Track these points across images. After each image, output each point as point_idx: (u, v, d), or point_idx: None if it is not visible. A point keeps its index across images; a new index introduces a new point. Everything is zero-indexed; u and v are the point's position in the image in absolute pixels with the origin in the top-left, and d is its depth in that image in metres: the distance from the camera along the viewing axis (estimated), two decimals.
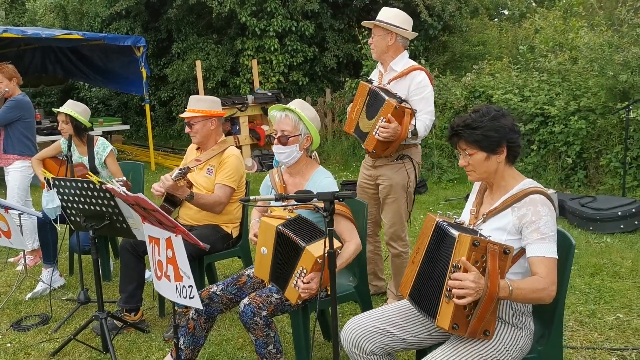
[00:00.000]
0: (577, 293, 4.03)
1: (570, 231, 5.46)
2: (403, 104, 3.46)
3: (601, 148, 6.91)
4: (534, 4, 14.97)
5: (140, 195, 2.50)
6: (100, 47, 10.79)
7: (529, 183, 2.28)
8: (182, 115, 3.79)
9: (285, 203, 2.80)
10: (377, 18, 3.68)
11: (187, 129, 3.80)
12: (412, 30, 3.74)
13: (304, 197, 2.26)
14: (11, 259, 5.31)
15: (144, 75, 10.17)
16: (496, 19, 16.66)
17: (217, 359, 3.36)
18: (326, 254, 2.09)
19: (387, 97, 3.44)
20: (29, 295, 4.39)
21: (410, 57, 3.81)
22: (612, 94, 6.82)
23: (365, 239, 3.16)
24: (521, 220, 2.19)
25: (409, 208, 3.83)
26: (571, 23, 8.86)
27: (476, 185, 2.51)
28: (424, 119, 3.59)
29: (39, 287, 4.45)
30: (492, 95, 8.10)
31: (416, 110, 3.55)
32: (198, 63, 10.34)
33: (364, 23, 3.88)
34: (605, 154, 6.79)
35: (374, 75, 3.88)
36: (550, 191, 6.10)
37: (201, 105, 3.75)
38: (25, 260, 4.66)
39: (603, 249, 4.94)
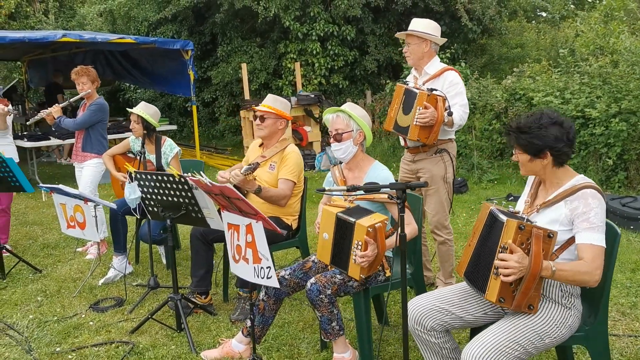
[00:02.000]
0: (619, 287, 4.22)
1: None
2: (434, 92, 3.80)
3: None
4: (572, 6, 14.96)
5: (227, 185, 2.82)
6: (149, 51, 11.23)
7: (581, 179, 2.51)
8: (257, 108, 4.07)
9: (348, 194, 3.09)
10: (411, 28, 4.02)
11: (257, 122, 4.08)
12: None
13: (374, 188, 2.53)
14: (79, 249, 5.72)
15: (192, 77, 10.58)
16: (534, 21, 16.64)
17: (280, 339, 3.66)
18: (398, 236, 2.36)
19: (418, 90, 3.80)
20: (101, 280, 4.77)
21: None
22: None
23: (420, 229, 3.42)
24: (573, 212, 2.43)
25: (450, 198, 4.11)
26: (612, 27, 8.94)
27: (530, 178, 2.75)
28: (459, 111, 3.92)
29: (111, 273, 4.83)
30: (533, 97, 8.24)
31: (453, 104, 3.88)
32: (244, 66, 10.71)
33: (398, 34, 4.20)
34: None
35: (409, 79, 4.23)
36: None
37: (277, 105, 4.05)
38: (98, 249, 5.05)
39: None
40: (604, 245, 2.38)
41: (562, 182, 2.53)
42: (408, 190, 4.06)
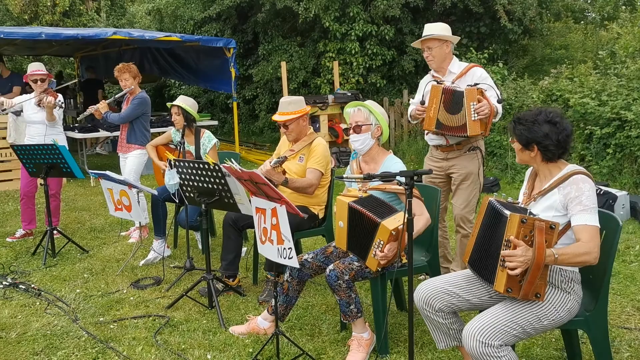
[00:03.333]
0: (638, 284, 4.29)
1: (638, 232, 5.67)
2: (477, 86, 3.94)
3: None
4: (623, 7, 14.68)
5: (255, 171, 3.07)
6: (194, 48, 11.65)
7: (572, 167, 2.66)
8: (275, 119, 4.28)
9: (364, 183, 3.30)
10: (429, 33, 4.16)
11: (282, 130, 4.32)
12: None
13: (388, 175, 2.75)
14: (123, 233, 6.11)
15: (233, 74, 10.94)
16: (582, 22, 16.39)
17: (303, 320, 3.90)
18: (406, 220, 2.57)
19: (463, 88, 3.93)
20: (142, 262, 5.11)
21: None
22: None
23: (437, 219, 3.60)
24: (566, 197, 2.58)
25: (479, 194, 4.26)
26: None
27: (528, 172, 2.92)
28: (488, 94, 4.04)
29: (151, 255, 5.17)
30: (569, 99, 8.24)
31: (489, 97, 4.01)
32: (283, 64, 11.00)
33: (415, 44, 4.31)
34: None
35: (427, 80, 4.36)
36: (622, 193, 6.28)
37: (292, 107, 4.22)
38: (141, 233, 5.40)
39: None
40: (598, 225, 2.54)
41: (552, 173, 2.69)
42: (428, 182, 4.29)
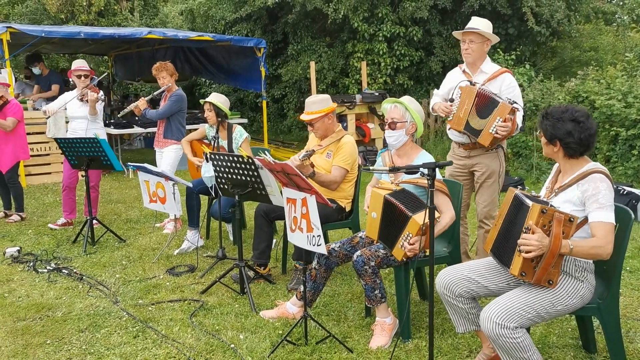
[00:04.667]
0: None
1: None
2: (513, 105, 4.00)
3: None
4: None
5: (287, 162, 3.29)
6: (225, 48, 11.94)
7: (592, 165, 2.81)
8: (301, 118, 4.50)
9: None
10: (473, 26, 4.24)
11: (309, 128, 4.52)
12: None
13: (411, 167, 2.93)
14: (157, 224, 6.39)
15: (263, 73, 11.20)
16: (614, 24, 16.25)
17: (330, 307, 4.10)
18: (428, 208, 2.75)
19: (500, 100, 4.00)
20: (176, 251, 5.38)
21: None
22: None
23: (459, 214, 3.77)
24: (584, 194, 2.74)
25: (499, 191, 4.40)
26: None
27: (554, 168, 3.06)
28: (520, 116, 4.14)
29: (185, 245, 5.43)
30: (595, 100, 8.29)
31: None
32: (312, 64, 11.21)
33: (456, 33, 4.39)
34: None
35: (456, 74, 4.45)
36: None
37: (317, 106, 4.40)
38: (175, 224, 5.68)
39: None
40: (614, 222, 2.68)
41: (574, 169, 2.84)
42: (449, 176, 4.45)
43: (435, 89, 4.84)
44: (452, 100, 4.31)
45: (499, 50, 10.98)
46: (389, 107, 3.79)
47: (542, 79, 9.85)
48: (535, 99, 9.19)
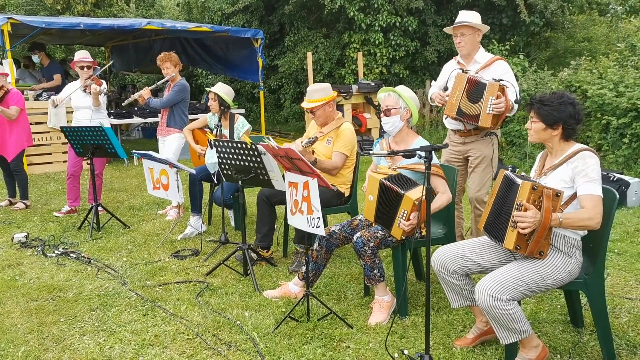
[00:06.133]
0: None
1: None
2: (500, 82, 4.18)
3: None
4: None
5: (290, 147, 3.45)
6: (223, 39, 12.04)
7: (580, 146, 2.98)
8: (303, 106, 4.65)
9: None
10: (464, 20, 4.43)
11: (310, 115, 4.68)
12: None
13: (409, 151, 3.09)
14: (160, 211, 6.55)
15: (260, 64, 11.33)
16: (608, 15, 16.41)
17: (330, 287, 4.27)
18: (424, 190, 2.92)
19: (487, 81, 4.18)
20: (180, 236, 5.54)
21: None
22: None
23: (455, 196, 3.94)
24: (573, 170, 2.92)
25: (493, 178, 4.57)
26: None
27: (539, 155, 3.23)
28: (514, 97, 4.30)
29: (188, 230, 5.59)
30: (587, 90, 8.46)
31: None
32: (309, 55, 11.34)
33: (447, 29, 4.59)
34: None
35: (451, 65, 4.63)
36: (636, 180, 6.53)
37: (318, 95, 4.56)
38: (179, 211, 5.84)
39: None
40: (601, 195, 2.87)
41: (564, 150, 3.02)
42: (445, 162, 4.62)
43: (433, 81, 5.00)
44: (446, 89, 4.48)
45: (493, 40, 11.14)
46: (383, 96, 3.96)
47: (535, 69, 10.01)
48: (529, 89, 9.35)
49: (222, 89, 5.44)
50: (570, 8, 12.72)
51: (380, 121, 3.98)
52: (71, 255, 5.01)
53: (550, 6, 11.35)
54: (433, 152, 3.80)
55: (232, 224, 5.92)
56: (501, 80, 4.22)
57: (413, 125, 4.02)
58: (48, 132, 9.27)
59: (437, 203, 3.67)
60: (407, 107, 3.91)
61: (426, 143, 3.90)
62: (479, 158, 4.56)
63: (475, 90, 4.25)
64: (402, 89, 3.95)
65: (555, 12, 11.59)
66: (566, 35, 14.55)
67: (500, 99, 4.14)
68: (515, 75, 9.78)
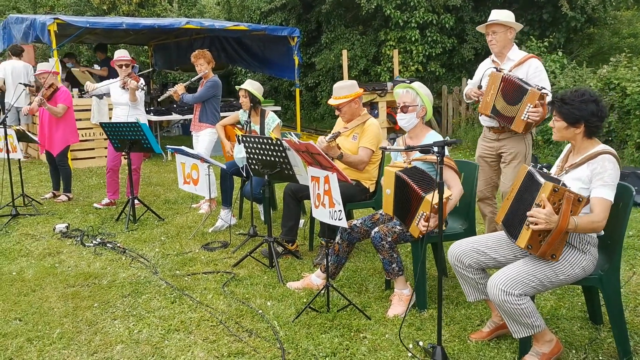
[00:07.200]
0: None
1: None
2: (542, 91, 4.15)
3: None
4: None
5: (310, 142, 3.55)
6: (260, 37, 12.23)
7: (602, 147, 2.99)
8: (330, 103, 4.75)
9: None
10: (495, 18, 4.46)
11: (337, 112, 4.78)
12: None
13: (424, 146, 3.15)
14: (194, 205, 6.76)
15: (296, 62, 11.47)
16: None
17: (352, 280, 4.36)
18: (437, 183, 2.98)
19: (529, 87, 4.15)
20: (211, 229, 5.72)
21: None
22: None
23: (474, 193, 3.98)
24: (592, 172, 2.92)
25: None
26: None
27: (565, 149, 3.24)
28: (548, 99, 4.28)
29: (219, 223, 5.77)
30: (627, 87, 8.27)
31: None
32: (344, 52, 11.42)
33: (480, 28, 4.61)
34: None
35: (486, 64, 4.66)
36: None
37: (344, 92, 4.66)
38: (210, 205, 6.03)
39: None
40: (612, 200, 2.87)
41: (587, 149, 3.02)
42: (478, 157, 4.64)
43: (469, 79, 5.04)
44: (480, 88, 4.52)
45: (532, 37, 10.99)
46: (401, 92, 4.02)
47: (574, 66, 9.83)
48: (567, 86, 9.19)
49: (252, 85, 5.58)
50: (613, 3, 12.41)
51: (396, 116, 4.05)
52: (108, 245, 5.25)
53: (591, 1, 11.11)
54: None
55: (262, 217, 6.07)
56: (543, 89, 4.19)
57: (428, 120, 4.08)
58: (91, 128, 9.63)
59: (452, 202, 3.70)
60: (423, 105, 3.97)
61: (437, 135, 3.96)
62: (512, 154, 4.57)
63: (513, 91, 4.24)
64: (418, 85, 4.00)
65: (596, 7, 11.35)
66: (611, 32, 14.20)
67: (538, 108, 4.11)
68: (553, 72, 9.68)
